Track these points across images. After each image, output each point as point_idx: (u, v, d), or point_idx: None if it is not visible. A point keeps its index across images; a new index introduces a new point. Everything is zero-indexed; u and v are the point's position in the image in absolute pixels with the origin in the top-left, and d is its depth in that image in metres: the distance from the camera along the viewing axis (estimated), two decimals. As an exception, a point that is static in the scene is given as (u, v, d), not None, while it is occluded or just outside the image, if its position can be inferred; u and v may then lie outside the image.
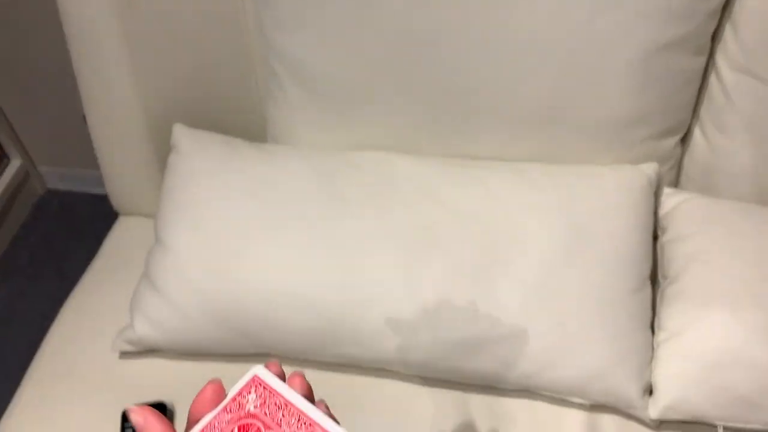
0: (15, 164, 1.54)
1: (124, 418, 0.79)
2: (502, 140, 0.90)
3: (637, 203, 0.85)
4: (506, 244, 0.81)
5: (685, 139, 0.94)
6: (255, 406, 0.35)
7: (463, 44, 0.82)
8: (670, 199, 0.91)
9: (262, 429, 0.35)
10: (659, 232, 0.90)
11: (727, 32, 0.84)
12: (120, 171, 1.04)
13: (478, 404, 0.82)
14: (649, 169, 0.88)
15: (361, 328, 0.79)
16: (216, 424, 0.35)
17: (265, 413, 0.35)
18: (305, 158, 0.89)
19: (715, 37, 0.86)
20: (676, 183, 0.97)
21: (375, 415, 0.81)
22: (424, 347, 0.78)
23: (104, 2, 0.86)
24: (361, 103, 0.90)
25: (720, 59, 0.87)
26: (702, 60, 0.86)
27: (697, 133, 0.93)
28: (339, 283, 0.79)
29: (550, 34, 0.79)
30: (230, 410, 0.36)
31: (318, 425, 0.34)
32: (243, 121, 0.99)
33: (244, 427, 0.35)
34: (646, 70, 0.82)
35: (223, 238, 0.83)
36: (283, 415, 0.35)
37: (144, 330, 0.83)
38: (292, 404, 0.35)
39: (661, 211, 0.91)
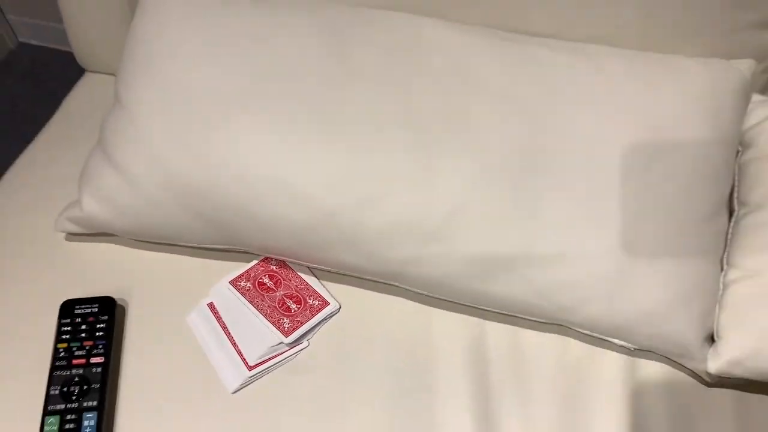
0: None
1: (62, 311, 0.64)
2: (562, 11, 0.70)
3: (726, 109, 0.66)
4: (557, 143, 0.63)
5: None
6: (276, 265, 0.70)
7: None
8: (760, 109, 0.73)
9: (282, 280, 0.69)
10: (739, 148, 0.73)
11: None
12: (84, 15, 0.85)
13: (497, 334, 0.68)
14: (745, 66, 0.69)
15: (361, 231, 0.63)
16: (258, 269, 0.70)
17: (282, 272, 0.70)
18: (311, 9, 0.70)
19: None
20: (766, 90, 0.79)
21: (373, 337, 0.67)
22: (438, 261, 0.63)
23: None
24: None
25: None
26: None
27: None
28: (337, 172, 0.62)
29: None
30: (267, 261, 0.71)
31: (318, 293, 0.69)
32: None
33: (271, 274, 0.69)
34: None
35: (196, 103, 0.65)
36: (290, 278, 0.70)
37: (92, 207, 0.67)
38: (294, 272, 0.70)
39: (746, 123, 0.73)
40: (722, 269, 0.66)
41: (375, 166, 0.62)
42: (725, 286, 0.65)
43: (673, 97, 0.65)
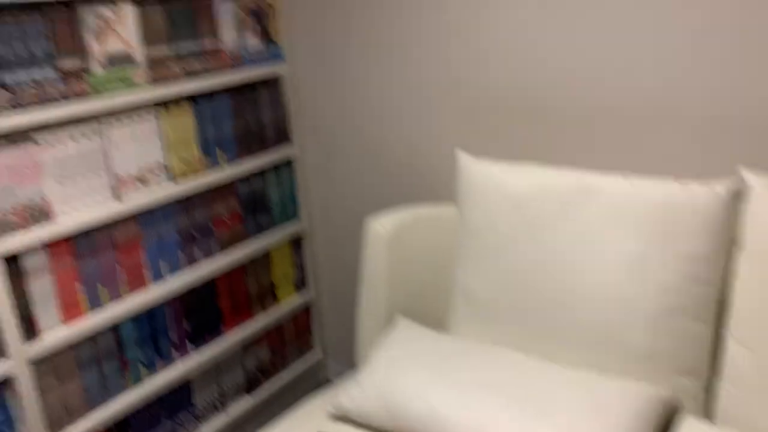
0: (316, 355, 2.44)
1: None
2: (571, 356, 1.46)
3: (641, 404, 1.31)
4: (543, 382, 1.33)
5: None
6: None
7: (555, 283, 1.47)
8: (685, 422, 1.32)
9: None
10: None
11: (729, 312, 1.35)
12: (367, 342, 1.81)
13: None
14: (653, 390, 1.34)
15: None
16: None
17: None
18: (452, 341, 1.56)
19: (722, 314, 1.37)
20: (705, 414, 1.38)
21: None
22: None
23: (383, 260, 1.74)
24: (496, 318, 1.57)
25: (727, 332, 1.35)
26: (706, 327, 1.35)
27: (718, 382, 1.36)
28: (456, 400, 1.38)
29: (601, 292, 1.41)
30: None
31: None
32: (437, 320, 1.73)
33: None
34: (659, 323, 1.36)
35: (399, 365, 1.51)
36: None
37: (343, 401, 1.51)
38: None
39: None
40: None
41: (475, 402, 1.38)
42: None
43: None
